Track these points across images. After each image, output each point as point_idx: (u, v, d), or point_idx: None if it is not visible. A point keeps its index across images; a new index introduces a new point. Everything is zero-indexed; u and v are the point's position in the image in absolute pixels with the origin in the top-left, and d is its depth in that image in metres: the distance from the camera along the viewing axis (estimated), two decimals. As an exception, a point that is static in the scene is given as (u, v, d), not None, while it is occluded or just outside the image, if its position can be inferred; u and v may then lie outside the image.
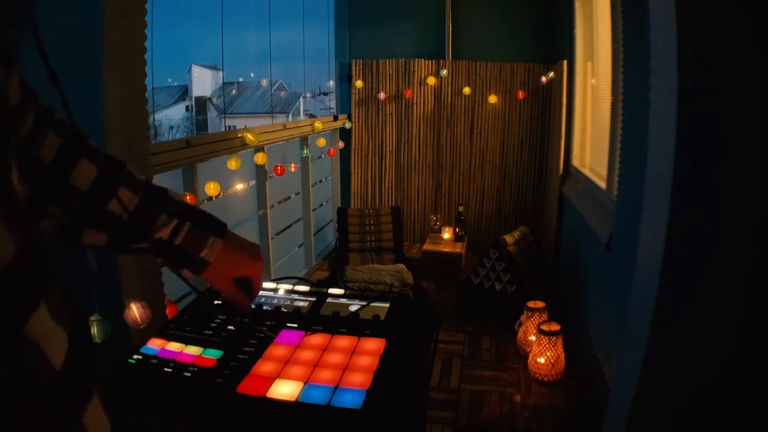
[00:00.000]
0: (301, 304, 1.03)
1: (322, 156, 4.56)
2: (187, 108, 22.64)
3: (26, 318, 0.37)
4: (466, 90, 4.47)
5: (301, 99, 21.24)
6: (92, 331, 1.49)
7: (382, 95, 4.57)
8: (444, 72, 4.48)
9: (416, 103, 4.61)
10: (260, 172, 3.25)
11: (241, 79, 23.12)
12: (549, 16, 4.35)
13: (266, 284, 1.08)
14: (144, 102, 1.63)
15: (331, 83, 4.98)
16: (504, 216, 4.70)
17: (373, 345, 0.88)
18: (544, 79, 4.30)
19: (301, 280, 1.11)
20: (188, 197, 2.31)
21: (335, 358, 0.85)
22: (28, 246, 0.38)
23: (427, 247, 4.10)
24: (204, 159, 2.50)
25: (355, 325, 0.94)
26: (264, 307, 1.00)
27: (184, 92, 22.71)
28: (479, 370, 2.68)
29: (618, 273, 2.13)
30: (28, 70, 0.50)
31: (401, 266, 3.28)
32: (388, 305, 1.01)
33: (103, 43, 1.41)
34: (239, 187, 3.04)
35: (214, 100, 22.39)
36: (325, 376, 0.80)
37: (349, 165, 4.76)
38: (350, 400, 0.74)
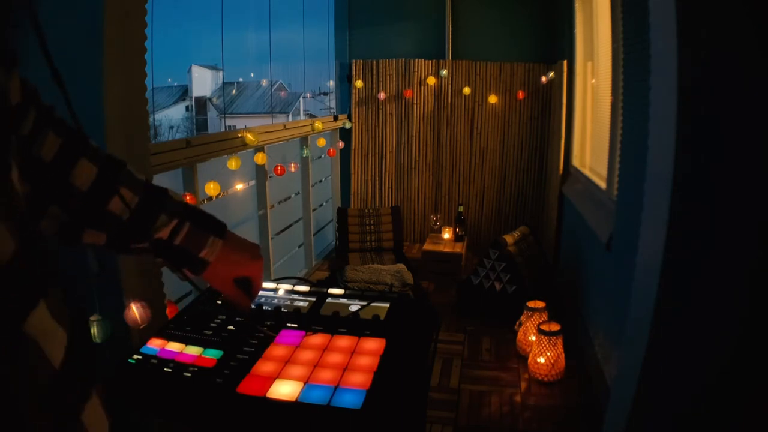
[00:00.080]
0: (301, 304, 1.03)
1: (322, 156, 4.56)
2: (187, 108, 22.63)
3: (25, 316, 0.37)
4: (466, 90, 4.47)
5: (301, 99, 21.24)
6: (92, 331, 1.49)
7: (382, 95, 4.57)
8: (444, 72, 4.48)
9: (416, 103, 4.61)
10: (260, 172, 3.25)
11: (241, 79, 23.14)
12: (549, 16, 4.35)
13: (266, 284, 1.08)
14: (144, 102, 1.63)
15: (331, 83, 4.98)
16: (504, 216, 4.70)
17: (373, 345, 0.88)
18: (544, 79, 4.30)
19: (301, 280, 1.11)
20: (188, 197, 2.31)
21: (335, 358, 0.85)
22: (28, 245, 0.38)
23: (427, 247, 4.10)
24: (204, 159, 2.50)
25: (355, 325, 0.94)
26: (264, 307, 1.00)
27: (184, 92, 22.71)
28: (479, 370, 2.68)
29: (618, 273, 2.13)
30: (29, 70, 0.50)
31: (401, 266, 3.28)
32: (388, 305, 1.01)
33: (103, 43, 1.41)
34: (239, 187, 3.04)
35: (214, 100, 22.39)
36: (325, 376, 0.80)
37: (349, 165, 4.76)
38: (350, 400, 0.74)
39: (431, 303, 1.10)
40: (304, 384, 0.78)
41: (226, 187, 2.88)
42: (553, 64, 4.23)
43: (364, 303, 1.02)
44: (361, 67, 4.61)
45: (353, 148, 4.73)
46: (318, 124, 3.95)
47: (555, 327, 2.57)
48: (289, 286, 1.10)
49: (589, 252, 2.90)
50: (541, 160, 4.55)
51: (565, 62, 3.85)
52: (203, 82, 22.57)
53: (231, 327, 0.94)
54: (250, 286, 0.81)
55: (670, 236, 1.22)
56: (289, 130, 3.55)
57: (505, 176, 4.63)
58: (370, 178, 4.78)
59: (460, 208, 4.22)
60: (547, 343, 2.51)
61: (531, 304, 2.83)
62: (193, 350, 0.87)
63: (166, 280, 1.75)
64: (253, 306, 0.96)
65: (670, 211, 1.21)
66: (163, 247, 0.72)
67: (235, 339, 0.90)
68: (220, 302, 1.02)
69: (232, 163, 2.73)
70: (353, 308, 1.00)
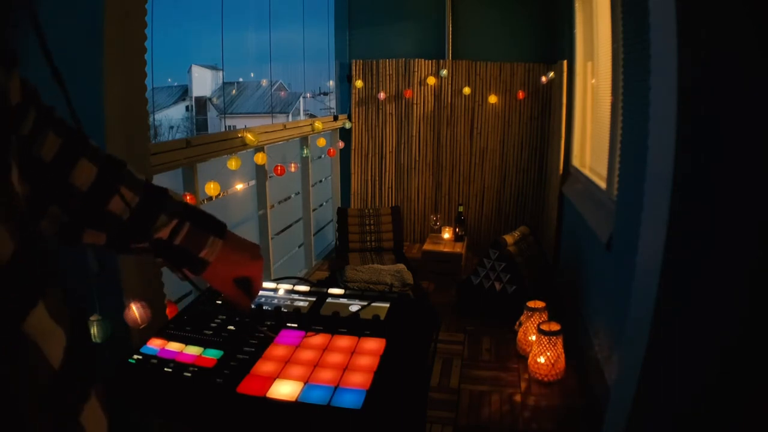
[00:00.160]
0: (301, 304, 1.03)
1: (322, 156, 4.56)
2: (187, 108, 22.63)
3: (25, 316, 0.37)
4: (466, 90, 4.47)
5: (301, 99, 21.24)
6: (92, 331, 1.49)
7: (382, 95, 4.57)
8: (444, 72, 4.48)
9: (416, 103, 4.61)
10: (260, 172, 3.25)
11: (241, 79, 23.14)
12: (549, 16, 4.35)
13: (266, 284, 1.08)
14: (144, 102, 1.63)
15: (331, 83, 4.98)
16: (504, 216, 4.70)
17: (373, 345, 0.88)
18: (544, 79, 4.30)
19: (301, 280, 1.11)
20: (188, 197, 2.31)
21: (335, 358, 0.85)
22: (28, 246, 0.38)
23: (427, 247, 4.10)
24: (204, 159, 2.50)
25: (355, 325, 0.94)
26: (264, 307, 1.00)
27: (184, 92, 22.71)
28: (479, 370, 2.68)
29: (618, 273, 2.13)
30: (28, 70, 0.50)
31: (401, 266, 3.28)
32: (388, 305, 1.01)
33: (103, 43, 1.41)
34: (239, 187, 3.04)
35: (214, 100, 22.39)
36: (325, 376, 0.80)
37: (349, 165, 4.76)
38: (350, 400, 0.74)
39: (431, 303, 1.10)
40: (304, 384, 0.78)
41: (226, 187, 2.88)
42: (553, 64, 4.23)
43: (365, 303, 1.02)
44: (361, 67, 4.61)
45: (353, 148, 4.73)
46: (318, 124, 3.95)
47: (555, 327, 2.57)
48: (289, 286, 1.10)
49: (589, 252, 2.90)
50: (541, 160, 4.55)
51: (565, 62, 3.85)
52: (203, 82, 22.57)
53: (231, 327, 0.94)
54: (250, 286, 0.81)
55: (670, 236, 1.22)
56: (289, 130, 3.55)
57: (505, 176, 4.63)
58: (370, 178, 4.78)
59: (460, 208, 4.22)
60: (547, 343, 2.51)
61: (531, 304, 2.83)
62: (193, 350, 0.87)
63: (166, 280, 1.75)
64: (253, 306, 0.96)
65: (670, 211, 1.21)
66: (163, 247, 0.72)
67: (235, 339, 0.90)
68: (220, 302, 1.02)
69: (232, 163, 2.73)
70: (354, 308, 1.00)
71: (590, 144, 3.65)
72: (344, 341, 0.89)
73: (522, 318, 2.86)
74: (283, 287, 1.10)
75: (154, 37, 1.87)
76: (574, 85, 3.80)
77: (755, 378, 1.24)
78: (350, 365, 0.82)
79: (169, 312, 1.78)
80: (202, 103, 22.39)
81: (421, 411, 0.96)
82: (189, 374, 0.81)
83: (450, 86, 4.54)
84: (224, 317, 0.97)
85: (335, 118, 4.51)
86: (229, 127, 19.97)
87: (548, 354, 2.51)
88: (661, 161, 1.25)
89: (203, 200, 2.64)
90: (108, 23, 1.42)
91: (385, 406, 0.74)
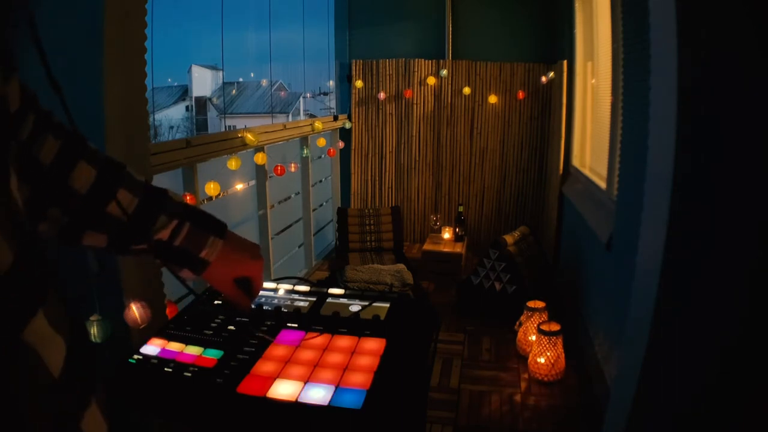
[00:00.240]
0: (301, 304, 1.03)
1: (322, 156, 4.56)
2: (187, 108, 22.63)
3: (24, 325, 0.37)
4: (466, 90, 4.47)
5: (301, 99, 21.24)
6: (92, 331, 1.49)
7: (382, 95, 4.57)
8: (444, 72, 4.48)
9: (416, 103, 4.61)
10: (260, 172, 3.25)
11: (241, 79, 23.14)
12: (549, 16, 4.35)
13: (266, 284, 1.08)
14: (144, 102, 1.63)
15: (331, 83, 4.98)
16: (504, 216, 4.70)
17: (373, 345, 0.88)
18: (544, 79, 4.30)
19: (301, 280, 1.11)
20: (188, 197, 2.31)
21: (335, 358, 0.85)
22: (26, 253, 0.38)
23: (427, 247, 4.10)
24: (204, 159, 2.50)
25: (356, 325, 0.94)
26: (264, 307, 1.00)
27: (184, 92, 22.71)
28: (479, 370, 2.68)
29: (618, 273, 2.13)
30: (27, 69, 0.50)
31: (401, 266, 3.28)
32: (388, 305, 1.01)
33: (103, 43, 1.41)
34: (239, 187, 3.04)
35: (214, 100, 22.39)
36: (326, 376, 0.80)
37: (349, 165, 4.76)
38: (350, 400, 0.74)
39: (431, 303, 1.10)
40: (305, 384, 0.78)
41: (226, 187, 2.88)
42: (553, 64, 4.23)
43: (365, 303, 1.02)
44: (361, 67, 4.61)
45: (353, 148, 4.73)
46: (318, 124, 3.95)
47: (555, 327, 2.57)
48: (289, 286, 1.10)
49: (589, 252, 2.90)
50: (541, 160, 4.55)
51: (565, 62, 3.85)
52: (203, 82, 22.58)
53: (231, 327, 0.94)
54: (250, 286, 0.81)
55: (670, 236, 1.22)
56: (289, 130, 3.55)
57: (505, 176, 4.63)
58: (370, 178, 4.78)
59: (460, 208, 4.22)
60: (547, 343, 2.51)
61: (531, 304, 2.83)
62: (194, 350, 0.87)
63: (166, 280, 1.75)
64: (253, 306, 0.96)
65: (670, 211, 1.21)
66: (164, 248, 0.72)
67: (236, 339, 0.90)
68: (219, 302, 1.02)
69: (232, 163, 2.73)
70: (354, 308, 1.00)
71: (590, 144, 3.65)
72: (344, 341, 0.89)
73: (522, 318, 2.86)
74: (283, 287, 1.10)
75: (154, 37, 1.87)
76: (574, 85, 3.80)
77: (755, 378, 1.24)
78: (350, 365, 0.82)
79: (169, 312, 1.78)
80: (202, 103, 22.39)
81: (421, 411, 0.96)
82: (189, 374, 0.81)
83: (450, 86, 4.54)
84: (224, 317, 0.97)
85: (335, 118, 4.51)
86: (229, 127, 19.98)
87: (548, 354, 2.51)
88: (661, 161, 1.25)
89: (203, 200, 2.64)
90: (108, 23, 1.42)
91: (385, 406, 0.74)
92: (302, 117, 18.98)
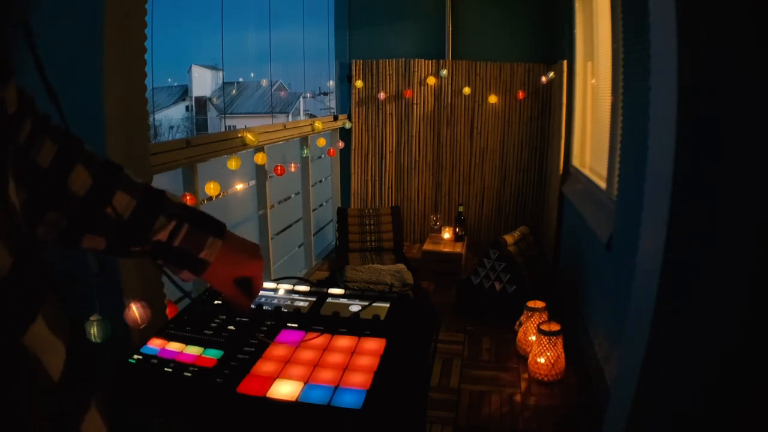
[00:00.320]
0: (301, 304, 1.03)
1: (322, 156, 4.56)
2: (187, 108, 22.64)
3: (24, 330, 0.37)
4: (466, 90, 4.47)
5: (301, 99, 21.24)
6: (92, 332, 1.49)
7: (382, 95, 4.57)
8: (444, 72, 4.48)
9: (416, 103, 4.61)
10: (260, 172, 3.25)
11: (241, 79, 23.14)
12: (549, 16, 4.35)
13: (266, 284, 1.08)
14: (144, 102, 1.63)
15: (331, 83, 4.98)
16: (504, 216, 4.70)
17: (373, 345, 0.88)
18: (544, 79, 4.30)
19: (301, 280, 1.11)
20: (188, 197, 2.31)
21: (335, 358, 0.85)
22: (25, 259, 0.38)
23: (427, 247, 4.10)
24: (204, 159, 2.50)
25: (355, 325, 0.94)
26: (264, 307, 1.00)
27: (184, 92, 22.71)
28: (479, 370, 2.68)
29: (618, 273, 2.13)
30: (25, 73, 0.50)
31: (401, 266, 3.28)
32: (388, 305, 1.01)
33: (103, 43, 1.41)
34: (239, 187, 3.04)
35: (214, 100, 22.39)
36: (326, 376, 0.80)
37: (349, 165, 4.77)
38: (350, 400, 0.74)
39: (431, 303, 1.10)
40: (305, 384, 0.78)
41: (226, 187, 2.88)
42: (553, 64, 4.23)
43: (365, 303, 1.02)
44: (361, 67, 4.61)
45: (353, 148, 4.73)
46: (318, 124, 3.95)
47: (555, 327, 2.57)
48: (289, 286, 1.10)
49: (589, 252, 2.90)
50: (541, 160, 4.55)
51: (565, 62, 3.85)
52: (203, 82, 22.58)
53: (231, 327, 0.94)
54: (250, 286, 0.81)
55: (670, 236, 1.22)
56: (289, 130, 3.55)
57: (505, 176, 4.63)
58: (370, 178, 4.78)
59: (460, 208, 4.22)
60: (547, 343, 2.51)
61: (531, 304, 2.83)
62: (194, 350, 0.87)
63: (166, 280, 1.75)
64: (253, 306, 0.96)
65: (670, 211, 1.21)
66: (163, 249, 0.72)
67: (236, 339, 0.90)
68: (219, 302, 1.02)
69: (232, 163, 2.73)
70: (354, 308, 1.00)
71: (590, 144, 3.65)
72: (344, 341, 0.89)
73: (522, 318, 2.86)
74: (283, 287, 1.10)
75: (154, 37, 1.88)
76: (574, 85, 3.80)
77: (755, 378, 1.24)
78: (350, 365, 0.83)
79: (169, 312, 1.78)
80: (202, 103, 22.40)
81: (421, 411, 0.96)
82: (189, 374, 0.81)
83: (450, 86, 4.54)
84: (224, 317, 0.97)
85: (335, 118, 4.51)
86: (229, 127, 19.98)
87: (548, 354, 2.51)
88: (661, 161, 1.25)
89: (203, 200, 2.64)
90: (108, 23, 1.42)
91: (385, 406, 0.74)
92: (302, 117, 18.98)
